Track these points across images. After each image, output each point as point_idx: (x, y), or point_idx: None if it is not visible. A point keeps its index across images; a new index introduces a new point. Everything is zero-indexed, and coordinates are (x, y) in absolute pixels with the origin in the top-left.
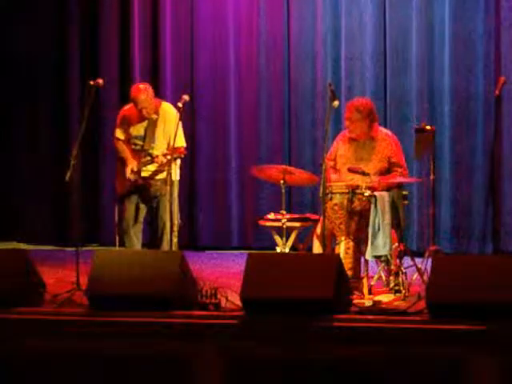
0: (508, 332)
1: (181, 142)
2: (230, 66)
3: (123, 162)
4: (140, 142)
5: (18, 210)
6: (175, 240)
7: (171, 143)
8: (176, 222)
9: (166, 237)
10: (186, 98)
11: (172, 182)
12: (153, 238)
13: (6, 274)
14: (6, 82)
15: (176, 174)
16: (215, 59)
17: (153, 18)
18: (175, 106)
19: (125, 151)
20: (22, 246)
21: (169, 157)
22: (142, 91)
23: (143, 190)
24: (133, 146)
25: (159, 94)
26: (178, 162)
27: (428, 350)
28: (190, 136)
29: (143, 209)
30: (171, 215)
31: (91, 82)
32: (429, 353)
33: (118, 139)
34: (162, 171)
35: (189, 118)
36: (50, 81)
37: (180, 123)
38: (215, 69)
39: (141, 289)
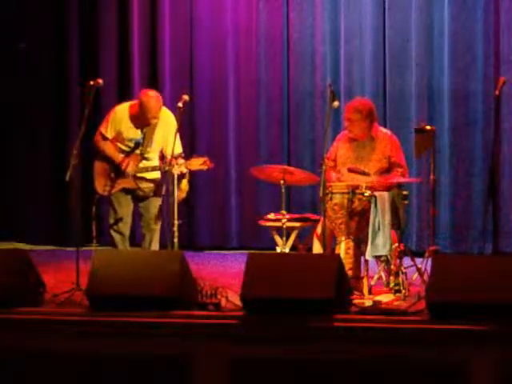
0: (508, 332)
1: (179, 148)
2: (230, 66)
3: (108, 161)
4: (133, 145)
5: (18, 209)
6: (175, 240)
7: (166, 149)
8: (176, 222)
9: (151, 237)
10: (185, 97)
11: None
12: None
13: (6, 274)
14: (5, 82)
15: (158, 173)
16: (214, 59)
17: (152, 18)
18: (175, 105)
19: (112, 150)
20: (22, 246)
21: (185, 170)
22: (155, 99)
23: (134, 190)
24: (123, 148)
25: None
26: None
27: (428, 350)
28: (189, 136)
29: (132, 210)
30: (172, 215)
31: (91, 82)
32: (429, 353)
33: (105, 138)
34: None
35: (188, 118)
36: (50, 81)
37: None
38: (214, 69)
39: (141, 289)
